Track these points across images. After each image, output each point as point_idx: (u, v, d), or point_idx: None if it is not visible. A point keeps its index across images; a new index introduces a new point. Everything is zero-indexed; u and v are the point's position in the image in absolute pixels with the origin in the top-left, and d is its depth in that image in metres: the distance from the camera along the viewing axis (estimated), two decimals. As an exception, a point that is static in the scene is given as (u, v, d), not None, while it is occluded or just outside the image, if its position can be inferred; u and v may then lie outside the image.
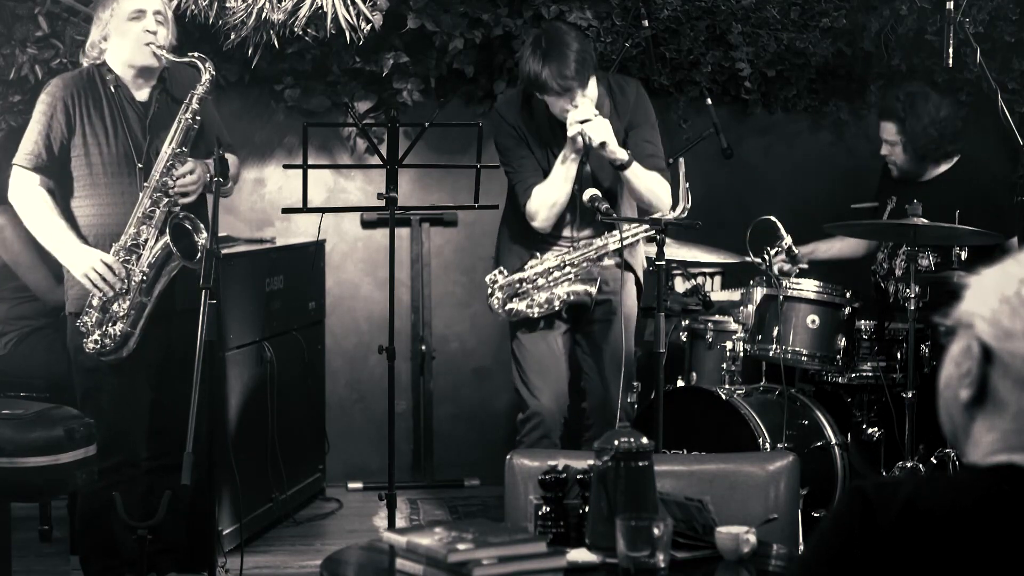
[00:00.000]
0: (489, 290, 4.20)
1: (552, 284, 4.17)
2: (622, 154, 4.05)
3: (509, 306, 4.17)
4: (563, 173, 4.12)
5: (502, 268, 4.21)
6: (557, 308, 4.18)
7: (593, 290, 4.16)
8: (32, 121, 4.07)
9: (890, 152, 4.97)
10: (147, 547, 3.69)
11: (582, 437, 4.38)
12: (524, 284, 4.18)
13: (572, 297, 4.17)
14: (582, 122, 3.99)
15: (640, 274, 4.33)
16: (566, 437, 4.38)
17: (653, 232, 4.01)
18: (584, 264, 4.16)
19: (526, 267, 4.19)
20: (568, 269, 4.17)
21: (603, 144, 4.00)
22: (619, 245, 4.13)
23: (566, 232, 4.24)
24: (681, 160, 4.10)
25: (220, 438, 4.21)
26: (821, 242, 5.13)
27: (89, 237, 4.02)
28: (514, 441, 4.27)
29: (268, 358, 4.90)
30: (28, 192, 4.03)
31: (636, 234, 4.15)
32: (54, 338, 4.61)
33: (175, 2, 4.95)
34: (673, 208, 4.07)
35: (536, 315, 4.19)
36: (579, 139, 4.01)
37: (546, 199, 4.14)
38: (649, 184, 4.12)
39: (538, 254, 4.22)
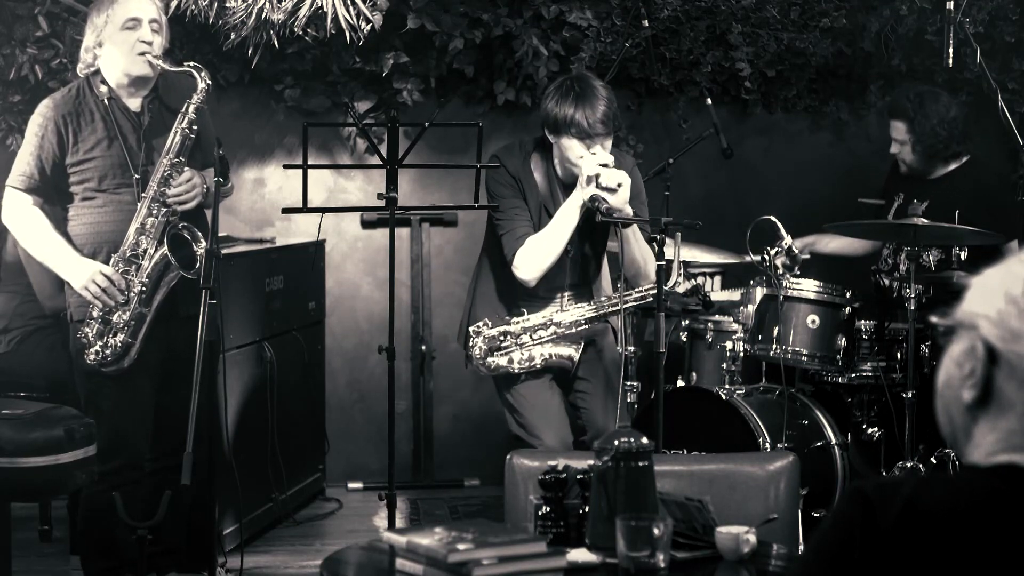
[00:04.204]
0: (471, 340, 4.13)
1: (535, 343, 4.10)
2: (628, 210, 4.00)
3: (490, 359, 4.10)
4: (563, 221, 4.01)
5: (487, 320, 4.13)
6: (538, 367, 4.13)
7: (576, 355, 4.10)
8: (24, 142, 4.08)
9: (899, 151, 4.98)
10: (147, 547, 3.69)
11: None
12: (508, 338, 4.10)
13: (555, 359, 4.10)
14: (602, 165, 3.94)
15: (616, 327, 4.26)
16: None
17: (647, 303, 3.98)
18: (572, 327, 4.12)
19: (512, 321, 4.11)
20: (554, 329, 4.09)
21: (619, 186, 3.91)
22: (611, 310, 4.09)
23: (556, 295, 4.17)
24: (678, 235, 4.07)
25: (220, 438, 4.21)
26: (822, 235, 5.13)
27: (87, 247, 4.01)
28: (514, 444, 4.25)
29: (268, 358, 4.90)
30: (23, 212, 4.03)
31: (635, 300, 4.08)
32: (55, 338, 4.61)
33: (175, 2, 4.96)
34: (666, 281, 3.97)
35: (516, 371, 4.11)
36: (592, 182, 3.92)
37: (540, 248, 4.03)
38: (643, 250, 4.05)
39: (524, 311, 4.14)
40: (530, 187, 4.13)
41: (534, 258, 4.05)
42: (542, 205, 4.13)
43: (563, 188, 4.11)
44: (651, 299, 3.91)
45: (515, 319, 4.11)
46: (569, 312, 4.10)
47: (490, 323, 4.11)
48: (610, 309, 4.09)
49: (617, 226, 4.01)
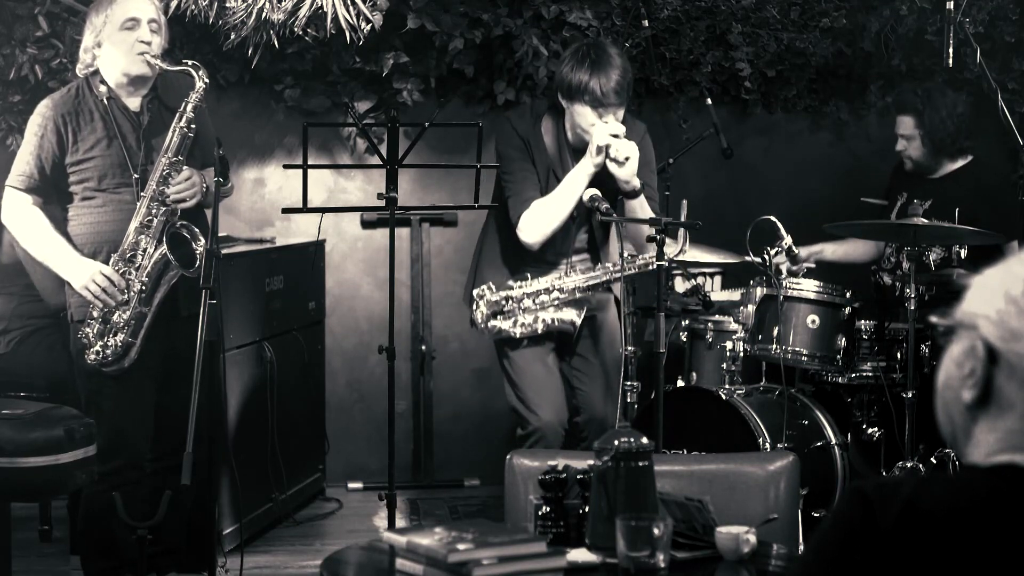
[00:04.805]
0: (475, 304, 4.15)
1: (538, 307, 4.13)
2: (636, 182, 4.01)
3: (492, 323, 4.13)
4: (571, 186, 4.04)
5: (490, 284, 4.16)
6: (540, 331, 4.14)
7: (579, 320, 4.12)
8: (24, 142, 4.08)
9: (906, 147, 4.99)
10: (147, 547, 3.69)
11: (578, 445, 4.36)
12: (511, 303, 4.13)
13: (557, 324, 4.13)
14: (613, 136, 3.95)
15: (619, 295, 4.28)
16: (568, 444, 4.37)
17: (652, 268, 3.99)
18: (575, 292, 4.14)
19: (515, 286, 4.14)
20: (557, 294, 4.12)
21: (627, 160, 3.93)
22: (614, 277, 4.10)
23: (562, 260, 4.20)
24: (684, 202, 4.07)
25: (220, 438, 4.21)
26: (829, 243, 5.13)
27: (87, 247, 4.01)
28: (514, 443, 4.26)
29: (268, 358, 4.90)
30: (22, 212, 4.03)
31: (639, 267, 4.09)
32: (55, 338, 4.61)
33: (175, 2, 4.96)
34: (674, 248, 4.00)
35: (518, 335, 4.15)
36: (602, 152, 3.95)
37: (545, 213, 4.06)
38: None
39: (529, 275, 4.16)
40: (539, 150, 4.15)
41: (539, 222, 4.08)
42: (550, 169, 4.15)
43: (572, 153, 4.13)
44: (654, 267, 3.90)
45: (518, 283, 4.14)
46: (573, 278, 4.12)
47: (494, 287, 4.14)
48: (614, 276, 4.11)
49: (619, 225, 4.02)
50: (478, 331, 4.22)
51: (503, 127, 4.21)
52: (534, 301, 4.12)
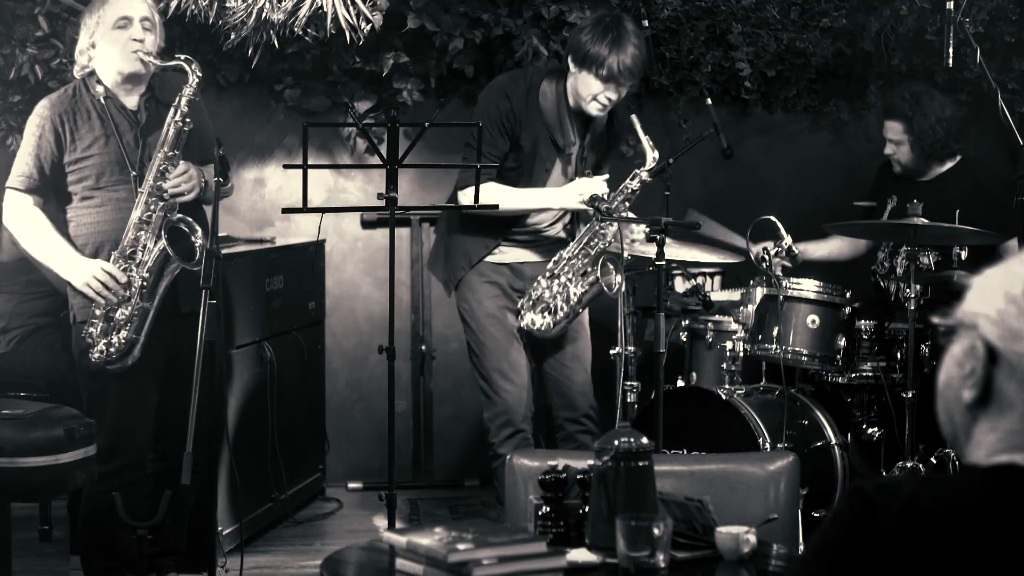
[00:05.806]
0: (522, 320, 4.28)
1: (563, 289, 4.22)
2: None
3: (541, 322, 4.27)
4: (537, 200, 4.23)
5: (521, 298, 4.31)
6: (581, 309, 4.25)
7: (598, 272, 4.21)
8: (23, 143, 4.09)
9: (895, 151, 4.97)
10: (147, 547, 3.69)
11: (555, 435, 4.44)
12: (542, 300, 4.26)
13: (592, 289, 4.23)
14: (594, 196, 4.16)
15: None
16: (546, 436, 4.43)
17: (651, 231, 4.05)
18: (582, 257, 4.20)
19: (536, 286, 4.28)
20: (565, 266, 4.24)
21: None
22: (607, 218, 4.20)
23: (540, 232, 4.37)
24: (633, 117, 4.16)
25: (220, 438, 4.21)
26: (811, 242, 5.10)
27: (88, 246, 4.02)
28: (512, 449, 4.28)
29: (268, 358, 4.90)
30: (23, 213, 4.04)
31: (625, 194, 4.21)
32: (55, 338, 4.61)
33: (175, 2, 4.96)
34: (642, 165, 4.14)
35: (561, 319, 4.25)
36: (580, 204, 4.18)
37: (500, 199, 4.16)
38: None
39: (504, 246, 4.33)
40: (529, 123, 4.22)
41: (487, 199, 4.14)
42: (543, 136, 4.24)
43: (572, 115, 4.23)
44: (659, 228, 3.98)
45: (536, 282, 4.27)
46: (570, 247, 4.27)
47: (528, 299, 4.28)
48: (608, 224, 4.19)
49: (618, 226, 4.04)
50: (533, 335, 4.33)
51: (495, 93, 4.29)
52: (559, 285, 4.21)
